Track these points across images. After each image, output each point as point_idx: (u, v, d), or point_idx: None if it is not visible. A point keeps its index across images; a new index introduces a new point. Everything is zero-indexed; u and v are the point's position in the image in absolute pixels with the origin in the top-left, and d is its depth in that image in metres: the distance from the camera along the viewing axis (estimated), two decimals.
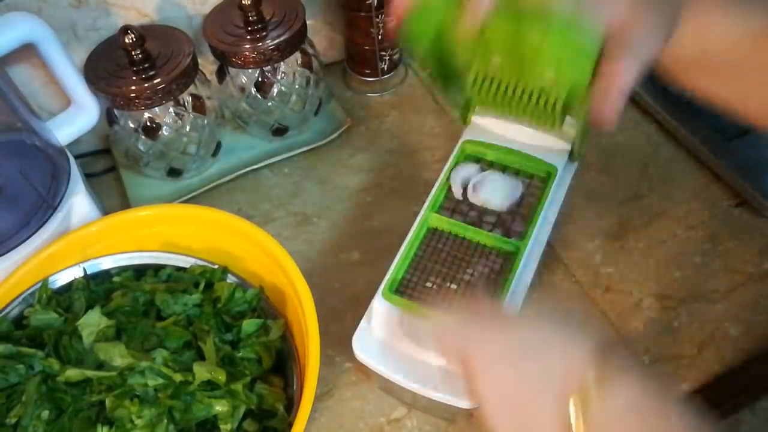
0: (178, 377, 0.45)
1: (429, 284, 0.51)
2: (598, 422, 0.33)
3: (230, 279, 0.54)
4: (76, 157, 0.65)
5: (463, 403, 0.47)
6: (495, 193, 0.55)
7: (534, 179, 0.57)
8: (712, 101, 0.43)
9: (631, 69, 0.39)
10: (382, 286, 0.50)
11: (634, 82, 0.39)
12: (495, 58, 0.49)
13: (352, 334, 0.57)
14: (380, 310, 0.49)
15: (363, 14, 0.71)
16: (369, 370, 0.50)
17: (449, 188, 0.57)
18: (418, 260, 0.52)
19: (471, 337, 0.38)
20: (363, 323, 0.51)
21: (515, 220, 0.54)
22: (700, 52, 0.40)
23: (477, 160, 0.59)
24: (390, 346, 0.49)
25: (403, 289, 0.51)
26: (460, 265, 0.52)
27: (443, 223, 0.54)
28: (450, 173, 0.57)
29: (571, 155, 0.59)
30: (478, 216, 0.54)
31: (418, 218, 0.55)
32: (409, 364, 0.48)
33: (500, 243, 0.52)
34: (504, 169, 0.58)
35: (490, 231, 0.53)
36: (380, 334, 0.50)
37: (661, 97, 0.71)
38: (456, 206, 0.55)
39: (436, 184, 0.57)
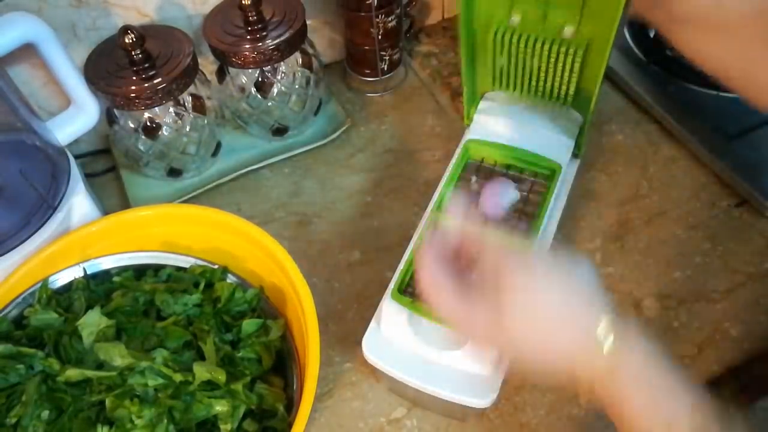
0: (178, 377, 0.45)
1: None
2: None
3: (230, 279, 0.54)
4: (76, 157, 0.65)
5: (477, 402, 0.47)
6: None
7: (538, 177, 0.57)
8: (696, 59, 0.43)
9: None
10: (390, 288, 0.50)
11: None
12: (516, 16, 0.53)
13: (353, 333, 0.58)
14: (389, 311, 0.49)
15: (363, 14, 0.71)
16: (378, 371, 0.50)
17: (455, 187, 0.57)
18: None
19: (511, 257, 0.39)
20: (372, 325, 0.51)
21: (521, 218, 0.54)
22: (705, 10, 0.40)
23: (481, 160, 0.59)
24: (400, 348, 0.49)
25: (411, 290, 0.51)
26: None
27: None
28: (457, 179, 0.57)
29: (575, 152, 0.59)
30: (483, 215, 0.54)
31: (424, 218, 0.55)
32: (421, 365, 0.48)
33: (507, 242, 0.52)
34: (507, 167, 0.58)
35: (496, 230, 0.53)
36: (390, 335, 0.50)
37: (661, 97, 0.71)
38: None
39: (441, 183, 0.57)
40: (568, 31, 0.52)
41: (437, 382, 0.47)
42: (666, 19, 0.43)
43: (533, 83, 0.58)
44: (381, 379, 0.53)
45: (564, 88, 0.57)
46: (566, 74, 0.55)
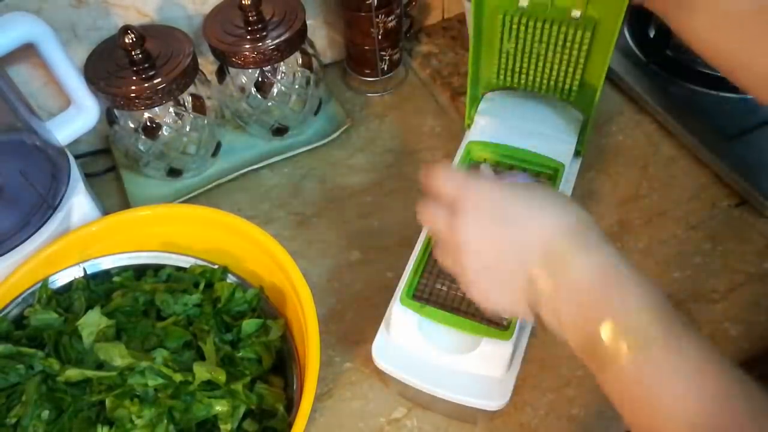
0: (178, 377, 0.45)
1: (440, 286, 0.51)
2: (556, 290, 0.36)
3: (230, 279, 0.54)
4: (76, 157, 0.65)
5: (490, 405, 0.46)
6: None
7: (541, 177, 0.57)
8: (696, 47, 0.43)
9: None
10: (399, 293, 0.50)
11: None
12: (523, 2, 0.54)
13: (353, 333, 0.58)
14: (399, 316, 0.49)
15: (363, 14, 0.71)
16: (387, 376, 0.50)
17: None
18: (433, 263, 0.52)
19: (467, 183, 0.40)
20: (381, 330, 0.50)
21: None
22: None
23: (483, 161, 0.59)
24: (411, 353, 0.49)
25: (419, 294, 0.51)
26: None
27: None
28: None
29: (577, 149, 0.59)
30: None
31: None
32: (432, 369, 0.48)
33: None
34: (510, 168, 0.58)
35: None
36: (400, 340, 0.49)
37: (661, 97, 0.71)
38: None
39: None
40: (576, 14, 0.53)
41: (450, 386, 0.47)
42: (671, 5, 0.43)
43: (539, 72, 0.58)
44: (388, 383, 0.53)
45: (569, 78, 0.57)
46: (573, 59, 0.55)
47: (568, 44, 0.54)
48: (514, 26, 0.55)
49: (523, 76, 0.60)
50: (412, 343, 0.49)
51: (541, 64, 0.58)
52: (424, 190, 0.42)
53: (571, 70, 0.56)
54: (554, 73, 0.57)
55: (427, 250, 0.53)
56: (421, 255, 0.52)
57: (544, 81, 0.59)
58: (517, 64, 0.59)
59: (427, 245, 0.53)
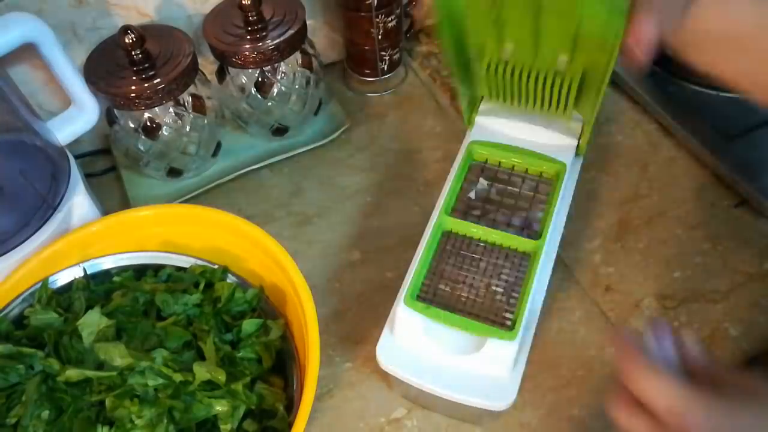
0: (178, 377, 0.45)
1: (444, 287, 0.51)
2: None
3: (230, 279, 0.54)
4: (76, 157, 0.65)
5: (497, 405, 0.46)
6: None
7: (543, 176, 0.57)
8: (720, 77, 0.44)
9: (652, 29, 0.41)
10: (403, 294, 0.50)
11: (654, 42, 0.41)
12: (509, 44, 0.52)
13: (353, 333, 0.58)
14: (403, 317, 0.49)
15: (363, 14, 0.71)
16: (391, 377, 0.50)
17: (461, 189, 0.57)
18: (436, 264, 0.52)
19: (689, 406, 0.33)
20: (385, 332, 0.50)
21: (528, 218, 0.54)
22: (719, 29, 0.41)
23: (485, 161, 0.59)
24: (416, 354, 0.49)
25: (423, 295, 0.50)
26: (477, 267, 0.52)
27: (457, 225, 0.54)
28: (462, 180, 0.57)
29: (577, 149, 0.59)
30: (491, 216, 0.54)
31: (432, 221, 0.55)
32: (438, 370, 0.48)
33: (516, 242, 0.52)
34: (512, 167, 0.58)
35: (505, 231, 0.53)
36: (405, 342, 0.49)
37: (661, 97, 0.71)
38: (467, 208, 0.55)
39: (447, 186, 0.57)
40: (562, 61, 0.52)
41: (456, 386, 0.47)
42: (682, 43, 0.44)
43: (530, 105, 0.58)
44: (391, 384, 0.53)
45: (561, 107, 0.56)
46: (562, 101, 0.55)
47: (556, 92, 0.54)
48: (499, 75, 0.55)
49: (515, 103, 0.59)
50: (417, 345, 0.49)
51: (531, 101, 0.57)
52: (622, 382, 0.35)
53: (561, 106, 0.56)
54: (545, 105, 0.57)
55: (430, 251, 0.53)
56: (425, 255, 0.52)
57: (536, 108, 0.58)
58: (507, 99, 0.59)
59: (431, 245, 0.53)
